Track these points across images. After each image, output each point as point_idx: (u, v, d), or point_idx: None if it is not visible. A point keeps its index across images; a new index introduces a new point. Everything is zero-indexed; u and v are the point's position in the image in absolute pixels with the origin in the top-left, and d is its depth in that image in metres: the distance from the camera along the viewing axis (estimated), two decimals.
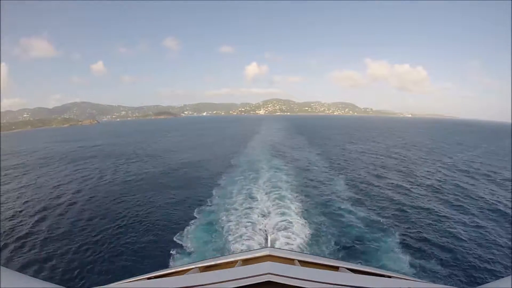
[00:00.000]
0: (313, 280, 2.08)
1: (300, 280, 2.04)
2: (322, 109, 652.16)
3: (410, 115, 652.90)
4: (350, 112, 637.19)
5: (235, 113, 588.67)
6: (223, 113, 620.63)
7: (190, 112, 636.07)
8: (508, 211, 18.54)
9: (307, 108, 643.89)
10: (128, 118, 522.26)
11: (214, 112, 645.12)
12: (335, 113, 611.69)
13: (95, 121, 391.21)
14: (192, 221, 16.42)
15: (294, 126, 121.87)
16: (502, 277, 1.99)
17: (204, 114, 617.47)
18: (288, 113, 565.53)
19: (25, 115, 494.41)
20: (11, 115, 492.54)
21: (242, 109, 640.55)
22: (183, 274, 2.99)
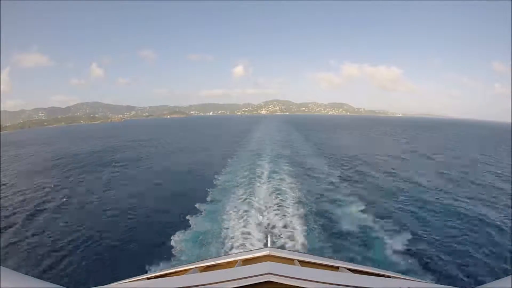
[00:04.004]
0: (313, 280, 2.00)
1: (300, 280, 1.96)
2: (318, 109, 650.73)
3: (401, 114, 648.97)
4: (344, 112, 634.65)
5: (239, 113, 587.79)
6: (228, 112, 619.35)
7: (196, 112, 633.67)
8: (508, 210, 17.53)
9: (304, 108, 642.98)
10: (146, 116, 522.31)
11: (219, 112, 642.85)
12: (329, 113, 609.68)
13: (123, 119, 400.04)
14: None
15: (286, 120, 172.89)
16: (502, 277, 1.89)
17: (211, 113, 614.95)
18: (287, 113, 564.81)
19: (40, 114, 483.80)
20: (26, 114, 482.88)
21: (246, 109, 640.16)
22: (183, 274, 2.89)
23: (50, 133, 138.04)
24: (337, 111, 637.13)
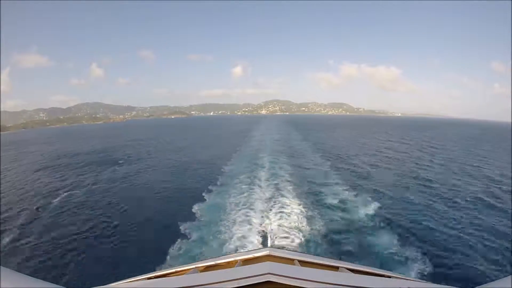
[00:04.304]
0: (313, 280, 1.98)
1: (300, 280, 1.94)
2: (318, 109, 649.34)
3: (400, 114, 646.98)
4: (343, 112, 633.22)
5: (239, 113, 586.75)
6: (228, 112, 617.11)
7: (197, 112, 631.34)
8: (508, 210, 17.40)
9: (304, 108, 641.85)
10: (147, 116, 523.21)
11: (220, 112, 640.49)
12: (329, 113, 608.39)
13: (125, 119, 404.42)
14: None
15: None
16: (502, 277, 1.89)
17: (211, 113, 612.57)
18: (287, 113, 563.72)
19: (41, 114, 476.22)
20: (27, 114, 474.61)
21: (246, 109, 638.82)
22: (183, 274, 2.86)
23: (56, 133, 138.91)
24: (336, 111, 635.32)
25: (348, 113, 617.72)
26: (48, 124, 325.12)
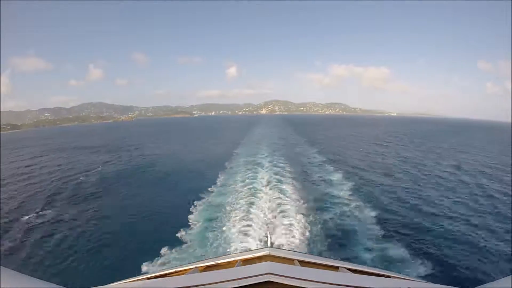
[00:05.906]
0: (313, 280, 1.95)
1: (300, 280, 1.91)
2: (316, 109, 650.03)
3: (395, 114, 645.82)
4: (340, 111, 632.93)
5: (240, 113, 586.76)
6: (229, 112, 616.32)
7: (198, 112, 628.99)
8: (508, 210, 17.03)
9: (302, 108, 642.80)
10: (150, 116, 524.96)
11: (221, 112, 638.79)
12: (326, 112, 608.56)
13: (132, 118, 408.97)
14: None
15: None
16: (502, 277, 1.85)
17: (212, 113, 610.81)
18: (286, 113, 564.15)
19: (46, 114, 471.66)
20: (32, 114, 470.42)
21: (246, 109, 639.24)
22: (183, 274, 2.84)
23: (74, 131, 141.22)
24: (334, 111, 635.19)
25: (345, 112, 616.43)
26: (58, 123, 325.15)
